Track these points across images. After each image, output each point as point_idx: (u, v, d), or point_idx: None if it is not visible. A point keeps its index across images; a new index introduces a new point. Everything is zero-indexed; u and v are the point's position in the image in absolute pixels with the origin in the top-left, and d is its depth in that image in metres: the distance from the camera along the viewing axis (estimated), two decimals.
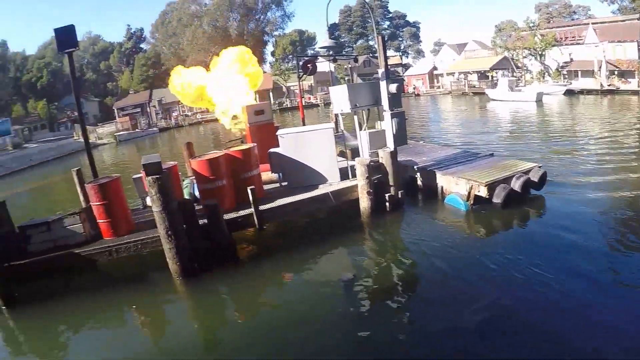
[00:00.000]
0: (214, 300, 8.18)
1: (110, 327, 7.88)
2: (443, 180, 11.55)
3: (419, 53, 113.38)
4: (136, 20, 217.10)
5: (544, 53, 56.54)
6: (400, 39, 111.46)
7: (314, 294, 7.72)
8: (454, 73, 73.47)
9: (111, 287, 9.18)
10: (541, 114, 31.95)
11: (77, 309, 8.62)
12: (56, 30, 11.48)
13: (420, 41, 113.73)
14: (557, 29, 57.53)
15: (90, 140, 13.10)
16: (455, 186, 11.11)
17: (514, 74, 55.64)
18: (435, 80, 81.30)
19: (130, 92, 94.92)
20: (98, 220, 9.58)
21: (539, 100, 39.04)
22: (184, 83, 15.24)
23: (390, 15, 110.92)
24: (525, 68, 59.88)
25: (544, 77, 55.37)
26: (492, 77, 62.07)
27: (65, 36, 11.44)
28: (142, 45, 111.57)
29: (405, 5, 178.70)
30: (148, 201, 10.19)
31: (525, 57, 60.00)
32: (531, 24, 59.79)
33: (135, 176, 11.84)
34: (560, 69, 52.70)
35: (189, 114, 77.47)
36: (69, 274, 9.50)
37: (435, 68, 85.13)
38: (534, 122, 28.07)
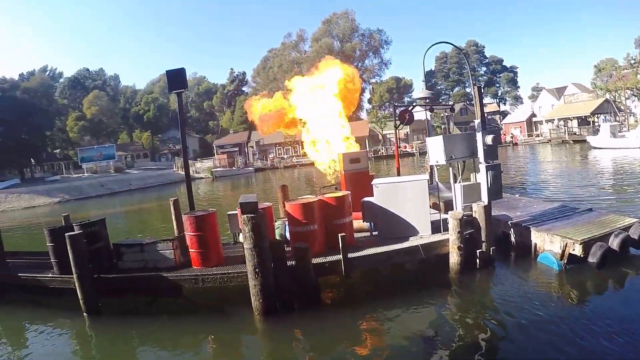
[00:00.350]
0: (291, 340, 8.23)
1: (184, 351, 8.18)
2: (537, 237, 11.01)
3: (517, 99, 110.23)
4: (239, 64, 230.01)
5: None
6: (497, 85, 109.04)
7: (392, 347, 7.59)
8: (553, 120, 70.60)
9: (192, 314, 9.67)
10: None
11: (156, 328, 9.20)
12: (168, 72, 12.48)
13: (518, 87, 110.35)
14: None
15: (190, 174, 13.86)
16: (550, 244, 10.56)
17: (617, 118, 52.42)
18: (534, 128, 78.53)
19: (230, 131, 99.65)
20: (190, 250, 10.22)
21: None
22: (265, 105, 15.59)
23: (487, 60, 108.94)
24: (628, 110, 56.23)
25: None
26: (593, 122, 58.61)
27: (176, 77, 12.47)
28: (244, 88, 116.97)
29: (502, 50, 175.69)
30: (240, 237, 10.58)
31: (627, 98, 56.32)
32: (632, 61, 56.20)
33: (230, 212, 12.34)
34: None
35: (285, 156, 79.62)
36: (154, 294, 10.12)
37: (533, 115, 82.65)
38: (638, 171, 26.34)
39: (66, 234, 9.97)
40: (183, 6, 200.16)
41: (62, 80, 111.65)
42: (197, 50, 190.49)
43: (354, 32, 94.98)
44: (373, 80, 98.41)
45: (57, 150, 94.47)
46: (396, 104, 19.39)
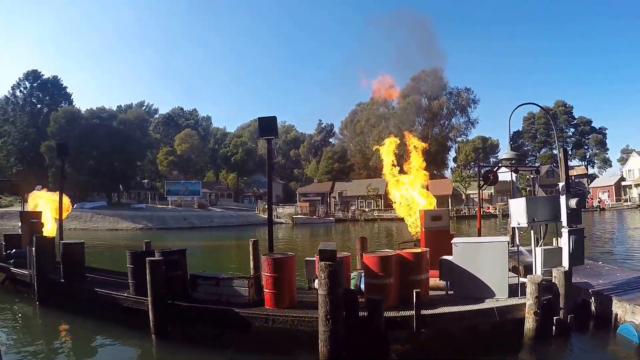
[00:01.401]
0: None
1: None
2: (618, 306, 10.26)
3: (605, 162, 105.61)
4: (327, 116, 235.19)
5: None
6: (585, 147, 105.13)
7: None
8: None
9: (258, 353, 9.76)
10: None
11: None
12: (260, 119, 12.97)
13: (607, 149, 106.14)
14: None
15: (272, 218, 14.15)
16: (631, 314, 9.79)
17: None
18: (622, 193, 74.77)
19: (315, 180, 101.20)
20: (264, 289, 10.33)
21: None
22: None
23: (575, 121, 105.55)
24: None
25: None
26: None
27: (267, 124, 12.95)
28: (330, 140, 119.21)
29: (590, 111, 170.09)
30: (315, 284, 10.56)
31: None
32: None
33: (307, 258, 12.45)
34: None
35: (367, 209, 79.64)
36: (223, 327, 10.31)
37: (622, 179, 78.83)
38: None
39: (147, 258, 10.60)
40: (270, 59, 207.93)
41: (157, 116, 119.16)
42: (287, 99, 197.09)
43: (442, 90, 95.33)
44: (459, 139, 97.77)
45: (146, 180, 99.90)
46: (481, 164, 19.10)
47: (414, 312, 9.28)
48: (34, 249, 14.29)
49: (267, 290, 10.23)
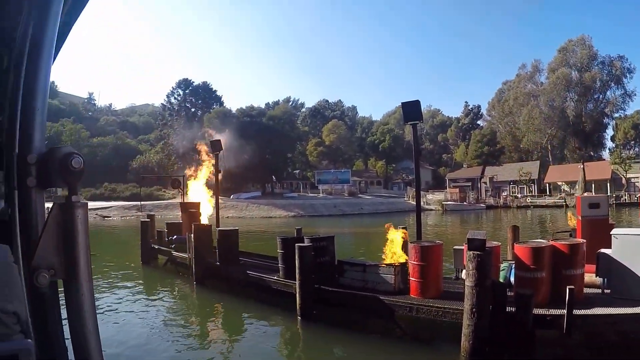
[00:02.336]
0: None
1: None
2: None
3: None
4: (474, 97, 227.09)
5: None
6: None
7: None
8: None
9: (402, 341, 9.90)
10: None
11: (365, 345, 9.74)
12: (404, 104, 12.96)
13: None
14: None
15: (420, 205, 14.08)
16: None
17: None
18: None
19: (464, 165, 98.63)
20: (410, 278, 10.36)
21: None
22: None
23: None
24: None
25: None
26: None
27: (411, 109, 12.89)
28: (478, 122, 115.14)
29: None
30: (462, 274, 10.36)
31: None
32: None
33: (456, 247, 12.22)
34: None
35: (519, 196, 76.00)
36: (367, 313, 10.51)
37: None
38: None
39: (297, 244, 11.31)
40: (415, 45, 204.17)
41: (303, 109, 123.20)
42: (431, 83, 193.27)
43: (592, 60, 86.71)
44: (616, 115, 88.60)
45: (297, 171, 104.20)
46: None
47: (565, 311, 8.67)
48: (192, 235, 15.88)
49: (413, 279, 10.24)
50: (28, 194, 1.23)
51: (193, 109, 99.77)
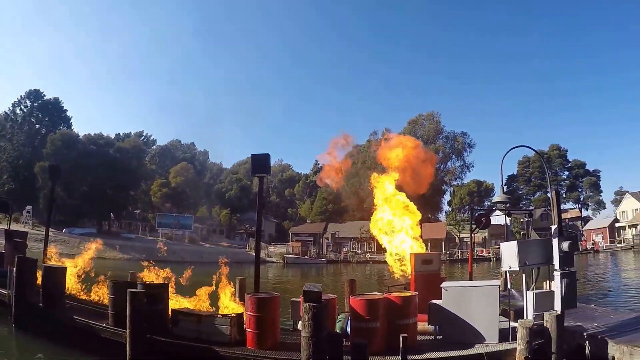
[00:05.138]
0: None
1: None
2: (615, 349, 9.87)
3: (600, 205, 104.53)
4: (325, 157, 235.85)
5: None
6: (579, 189, 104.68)
7: None
8: (637, 225, 67.97)
9: None
10: None
11: None
12: (253, 156, 12.99)
13: (601, 191, 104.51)
14: None
15: (260, 256, 13.95)
16: (629, 356, 9.41)
17: None
18: (617, 234, 74.89)
19: (308, 220, 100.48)
20: (246, 329, 10.13)
21: None
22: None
23: (570, 164, 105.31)
24: None
25: None
26: None
27: (260, 162, 13.00)
28: (327, 180, 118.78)
29: (584, 153, 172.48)
30: (299, 325, 10.32)
31: None
32: None
33: (293, 299, 12.32)
34: None
35: (359, 252, 79.24)
36: None
37: (616, 220, 79.44)
38: None
39: (128, 290, 10.35)
40: (273, 100, 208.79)
41: (154, 147, 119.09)
42: (285, 138, 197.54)
43: (438, 134, 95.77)
44: (454, 183, 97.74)
45: (137, 211, 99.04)
46: (475, 207, 19.03)
47: (400, 357, 8.96)
48: (14, 269, 14.03)
49: (250, 330, 10.03)
50: None
51: (38, 125, 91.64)
